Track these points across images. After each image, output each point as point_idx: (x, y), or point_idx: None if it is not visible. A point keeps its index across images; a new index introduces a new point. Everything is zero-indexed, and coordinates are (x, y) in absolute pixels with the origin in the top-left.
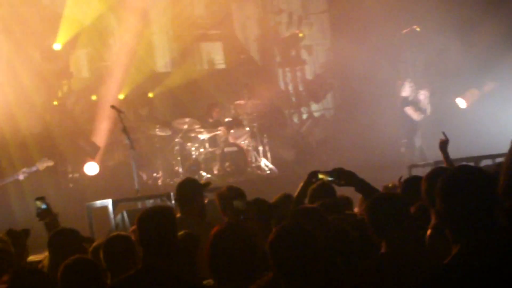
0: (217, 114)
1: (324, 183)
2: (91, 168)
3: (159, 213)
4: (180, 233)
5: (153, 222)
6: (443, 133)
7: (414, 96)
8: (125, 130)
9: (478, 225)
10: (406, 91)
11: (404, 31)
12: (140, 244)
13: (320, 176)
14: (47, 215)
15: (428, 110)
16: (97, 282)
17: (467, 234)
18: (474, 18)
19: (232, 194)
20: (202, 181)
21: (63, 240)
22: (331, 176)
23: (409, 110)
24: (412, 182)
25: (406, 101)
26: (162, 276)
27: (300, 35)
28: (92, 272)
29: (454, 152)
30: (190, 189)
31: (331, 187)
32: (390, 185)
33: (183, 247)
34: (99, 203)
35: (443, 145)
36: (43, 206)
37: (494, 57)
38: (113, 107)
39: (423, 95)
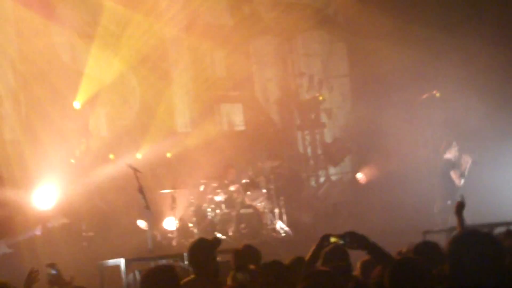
0: (232, 176)
1: (337, 247)
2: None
3: (160, 273)
4: None
5: (154, 282)
6: (461, 196)
7: (457, 160)
8: (141, 190)
9: None
10: (451, 153)
11: (424, 96)
12: None
13: (332, 239)
14: (57, 281)
15: (467, 177)
16: None
17: None
18: (495, 83)
19: (247, 253)
20: (211, 238)
21: None
22: (343, 240)
23: (453, 174)
24: (422, 248)
25: (450, 164)
26: None
27: (320, 98)
28: None
29: (471, 217)
30: (202, 250)
31: (345, 251)
32: (404, 250)
33: None
34: (111, 262)
35: (459, 208)
36: (53, 272)
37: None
38: (129, 165)
39: (464, 160)
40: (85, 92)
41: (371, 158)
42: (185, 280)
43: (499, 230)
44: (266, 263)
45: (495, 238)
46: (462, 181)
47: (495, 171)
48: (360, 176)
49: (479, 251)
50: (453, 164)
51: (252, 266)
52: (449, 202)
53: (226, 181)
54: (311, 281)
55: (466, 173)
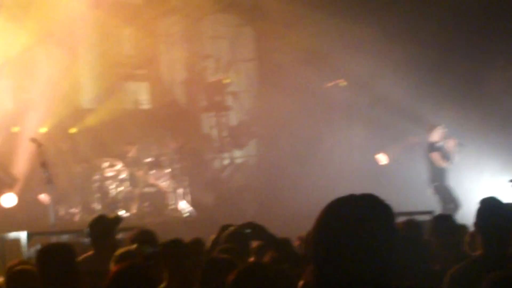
0: (132, 153)
1: (236, 231)
2: (9, 200)
3: (57, 250)
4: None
5: (52, 258)
6: None
7: (443, 143)
8: (44, 164)
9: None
10: (435, 136)
11: (329, 84)
12: (40, 279)
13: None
14: None
15: (455, 159)
16: None
17: None
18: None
19: (143, 238)
20: (112, 216)
21: None
22: (241, 230)
23: (435, 156)
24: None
25: (434, 147)
26: None
27: (227, 80)
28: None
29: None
30: (102, 226)
31: (244, 235)
32: (304, 235)
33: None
34: (12, 235)
35: None
36: None
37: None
38: (33, 140)
39: (451, 143)
40: None
41: (277, 142)
42: (83, 255)
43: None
44: (165, 242)
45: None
46: (447, 163)
47: (407, 163)
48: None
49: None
50: (437, 147)
51: (133, 246)
52: (435, 183)
53: (127, 159)
54: (211, 268)
55: (450, 155)
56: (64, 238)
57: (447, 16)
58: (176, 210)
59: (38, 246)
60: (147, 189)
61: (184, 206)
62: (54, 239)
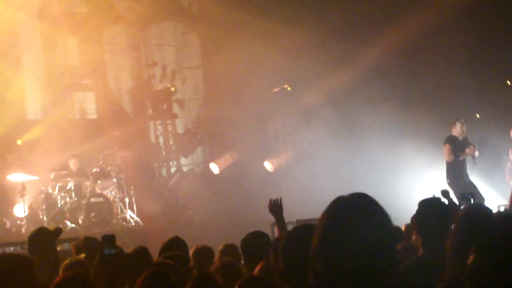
0: (74, 166)
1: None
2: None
3: (13, 260)
4: None
5: (6, 269)
6: None
7: (463, 138)
8: None
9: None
10: (455, 131)
11: (276, 89)
12: None
13: None
14: None
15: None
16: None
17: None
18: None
19: (88, 245)
20: (52, 228)
21: None
22: None
23: (445, 149)
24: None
25: (450, 140)
26: None
27: (172, 89)
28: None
29: (312, 212)
30: (42, 239)
31: (183, 243)
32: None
33: None
34: None
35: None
36: None
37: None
38: None
39: (471, 151)
40: None
41: (223, 149)
42: None
43: None
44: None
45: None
46: (453, 158)
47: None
48: (214, 166)
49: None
50: (455, 141)
51: (82, 255)
52: (464, 178)
53: (73, 169)
54: (153, 273)
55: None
56: (10, 250)
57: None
58: (123, 219)
59: None
60: (93, 199)
61: (131, 216)
62: None
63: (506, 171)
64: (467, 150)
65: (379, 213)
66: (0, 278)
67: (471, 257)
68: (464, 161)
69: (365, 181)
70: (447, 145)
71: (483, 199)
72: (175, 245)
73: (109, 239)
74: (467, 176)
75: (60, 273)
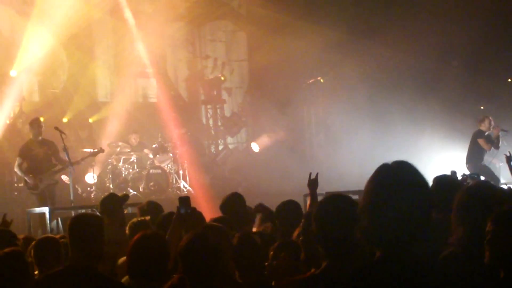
0: (134, 141)
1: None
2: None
3: (88, 219)
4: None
5: (82, 226)
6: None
7: (491, 131)
8: (65, 149)
9: (341, 243)
10: (484, 126)
11: (310, 81)
12: (70, 244)
13: None
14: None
15: (500, 143)
16: (24, 273)
17: (332, 252)
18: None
19: (150, 208)
20: (121, 194)
21: None
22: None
23: (481, 141)
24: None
25: (481, 134)
26: (85, 274)
27: (222, 78)
28: (21, 264)
29: (341, 186)
30: (111, 202)
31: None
32: None
33: (107, 251)
34: (38, 210)
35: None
36: None
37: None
38: (56, 128)
39: (497, 131)
40: (21, 62)
41: (264, 131)
42: None
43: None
44: (167, 213)
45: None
46: (490, 147)
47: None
48: (254, 146)
49: (338, 211)
50: (485, 135)
51: (147, 217)
52: (482, 162)
53: (136, 145)
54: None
55: (495, 140)
56: (81, 212)
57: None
58: (177, 188)
59: (60, 220)
60: (152, 171)
61: (184, 185)
62: (72, 213)
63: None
64: (495, 131)
65: (419, 180)
66: (80, 232)
67: (489, 224)
68: (484, 150)
69: (386, 158)
70: (482, 139)
71: (498, 180)
72: (234, 201)
73: (185, 200)
74: (484, 161)
75: (127, 230)
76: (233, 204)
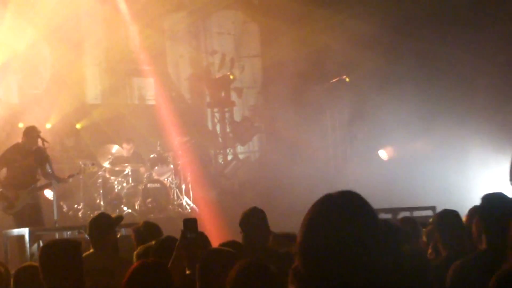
0: (127, 151)
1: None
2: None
3: (60, 246)
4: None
5: (54, 255)
6: None
7: None
8: (48, 161)
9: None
10: None
11: (333, 80)
12: (42, 278)
13: None
14: None
15: None
16: None
17: None
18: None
19: (148, 230)
20: (113, 215)
21: None
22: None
23: None
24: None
25: None
26: None
27: (231, 77)
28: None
29: (375, 202)
30: (102, 224)
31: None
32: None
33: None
34: (16, 231)
35: None
36: None
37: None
38: (37, 135)
39: None
40: None
41: (279, 138)
42: (84, 254)
43: (403, 214)
44: (161, 239)
45: (391, 224)
46: None
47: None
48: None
49: None
50: None
51: (153, 242)
52: None
53: (130, 155)
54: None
55: None
56: (67, 234)
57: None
58: (179, 206)
59: (41, 243)
60: (150, 185)
61: (187, 202)
62: (57, 235)
63: None
64: None
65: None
66: (50, 262)
67: None
68: None
69: (421, 171)
70: None
71: None
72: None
73: (191, 223)
74: None
75: (134, 259)
76: (254, 219)
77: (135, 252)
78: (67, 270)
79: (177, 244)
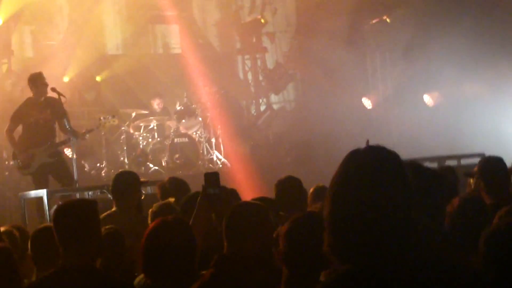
0: (158, 106)
1: None
2: None
3: (75, 207)
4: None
5: (71, 218)
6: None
7: None
8: (66, 116)
9: None
10: None
11: (373, 21)
12: (58, 242)
13: None
14: None
15: None
16: (11, 275)
17: None
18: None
19: (174, 186)
20: (141, 179)
21: None
22: None
23: None
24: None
25: None
26: (83, 275)
27: (262, 20)
28: (7, 264)
29: (420, 151)
30: (126, 182)
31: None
32: None
33: (106, 244)
34: (33, 193)
35: None
36: None
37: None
38: (54, 90)
39: None
40: (7, 8)
41: (316, 86)
42: (106, 213)
43: (449, 162)
44: (192, 193)
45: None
46: None
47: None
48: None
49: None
50: None
51: (171, 199)
52: None
53: (156, 108)
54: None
55: None
56: (88, 195)
57: None
58: (209, 161)
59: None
60: (177, 140)
61: (218, 157)
62: (77, 196)
63: None
64: None
65: (398, 172)
66: (64, 225)
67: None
68: None
69: (466, 119)
70: None
71: None
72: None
73: (212, 177)
74: None
75: (149, 219)
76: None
77: (150, 210)
78: (82, 232)
79: (198, 201)
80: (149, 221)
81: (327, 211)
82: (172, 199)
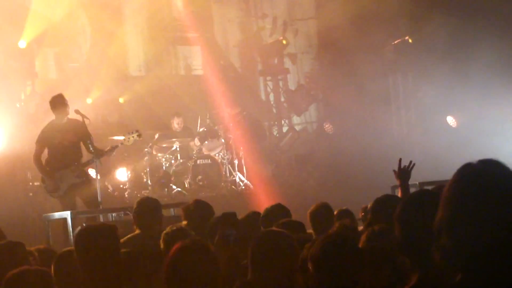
0: (178, 125)
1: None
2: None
3: (97, 232)
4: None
5: (92, 242)
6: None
7: None
8: (89, 138)
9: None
10: None
11: (395, 41)
12: (79, 265)
13: None
14: None
15: None
16: None
17: (424, 263)
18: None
19: (199, 209)
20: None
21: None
22: None
23: None
24: (382, 201)
25: None
26: None
27: (284, 42)
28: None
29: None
30: (148, 209)
31: (286, 208)
32: (369, 206)
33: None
34: (57, 214)
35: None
36: None
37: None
38: (77, 112)
39: None
40: (31, 31)
41: (338, 107)
42: (129, 235)
43: None
44: (218, 216)
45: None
46: None
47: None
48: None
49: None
50: None
51: (184, 222)
52: None
53: (178, 129)
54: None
55: None
56: (112, 216)
57: None
58: (232, 182)
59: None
60: (200, 161)
61: (241, 178)
62: (101, 218)
63: None
64: None
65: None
66: (84, 249)
67: None
68: None
69: (494, 142)
70: None
71: None
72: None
73: (230, 218)
74: None
75: (162, 242)
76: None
77: (164, 232)
78: (102, 256)
79: (215, 241)
80: (162, 246)
81: (447, 217)
82: (184, 222)
